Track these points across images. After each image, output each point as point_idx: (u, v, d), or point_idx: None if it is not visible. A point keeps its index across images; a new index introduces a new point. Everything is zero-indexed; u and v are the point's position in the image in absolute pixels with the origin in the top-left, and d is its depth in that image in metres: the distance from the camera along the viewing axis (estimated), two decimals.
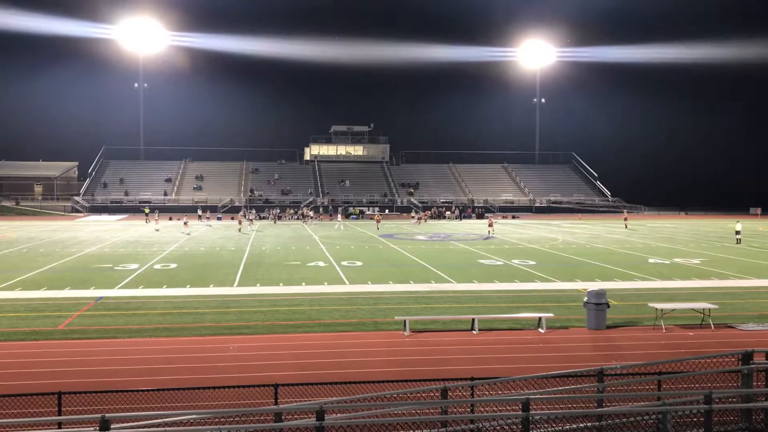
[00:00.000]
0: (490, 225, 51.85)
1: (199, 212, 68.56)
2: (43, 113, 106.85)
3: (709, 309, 18.20)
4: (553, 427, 9.16)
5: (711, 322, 17.85)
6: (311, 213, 70.57)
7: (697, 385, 10.69)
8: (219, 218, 68.34)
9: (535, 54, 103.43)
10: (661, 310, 17.99)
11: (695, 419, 9.01)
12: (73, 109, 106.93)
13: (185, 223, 55.35)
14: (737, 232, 42.74)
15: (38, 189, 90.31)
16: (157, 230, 51.90)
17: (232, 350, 15.44)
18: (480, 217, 77.54)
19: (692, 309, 18.67)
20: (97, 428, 7.35)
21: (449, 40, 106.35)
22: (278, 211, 74.15)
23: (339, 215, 68.01)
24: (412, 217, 71.35)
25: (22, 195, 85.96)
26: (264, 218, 71.02)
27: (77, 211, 79.88)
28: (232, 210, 78.33)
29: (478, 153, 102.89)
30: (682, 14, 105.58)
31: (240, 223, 55.42)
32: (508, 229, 56.78)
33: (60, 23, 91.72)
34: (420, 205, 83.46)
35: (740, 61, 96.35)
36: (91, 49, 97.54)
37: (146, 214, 65.08)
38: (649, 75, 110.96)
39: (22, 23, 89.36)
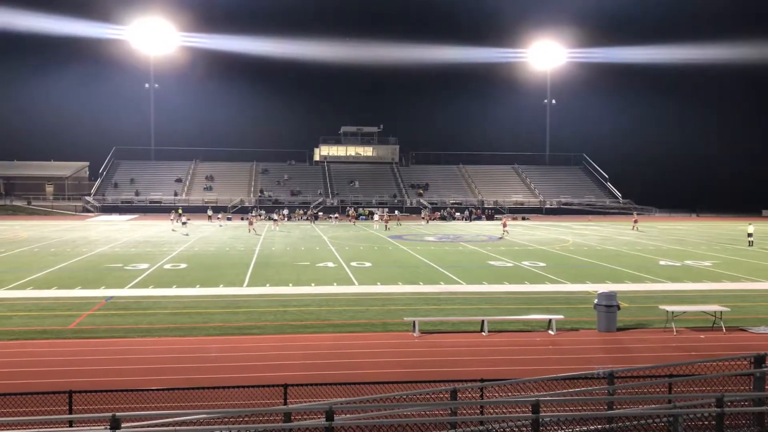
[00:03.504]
0: (504, 226, 51.97)
1: (209, 213, 68.66)
2: (54, 113, 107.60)
3: (721, 312, 18.07)
4: (563, 429, 9.11)
5: (722, 325, 17.73)
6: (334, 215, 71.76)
7: (708, 388, 10.62)
8: (229, 218, 68.49)
9: (545, 55, 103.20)
10: (672, 312, 17.88)
11: (707, 422, 8.94)
12: (84, 109, 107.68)
13: (182, 223, 55.75)
14: (749, 235, 42.46)
15: (49, 189, 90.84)
16: (174, 231, 51.90)
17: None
18: (490, 218, 77.29)
19: (703, 312, 18.56)
20: (108, 427, 7.37)
21: (459, 41, 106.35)
22: (315, 210, 75.05)
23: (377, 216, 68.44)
24: (423, 218, 71.58)
25: (34, 195, 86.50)
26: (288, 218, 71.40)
27: (88, 210, 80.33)
28: (242, 210, 78.61)
29: (488, 154, 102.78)
30: (694, 14, 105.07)
31: (277, 223, 59.12)
32: (518, 230, 56.63)
33: (71, 24, 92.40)
34: (429, 206, 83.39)
35: (752, 61, 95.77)
36: (103, 50, 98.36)
37: (179, 215, 65.96)
38: (660, 76, 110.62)
39: (33, 24, 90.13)
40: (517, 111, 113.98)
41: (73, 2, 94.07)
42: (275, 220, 62.24)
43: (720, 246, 41.68)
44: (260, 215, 73.86)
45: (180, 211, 67.07)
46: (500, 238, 47.56)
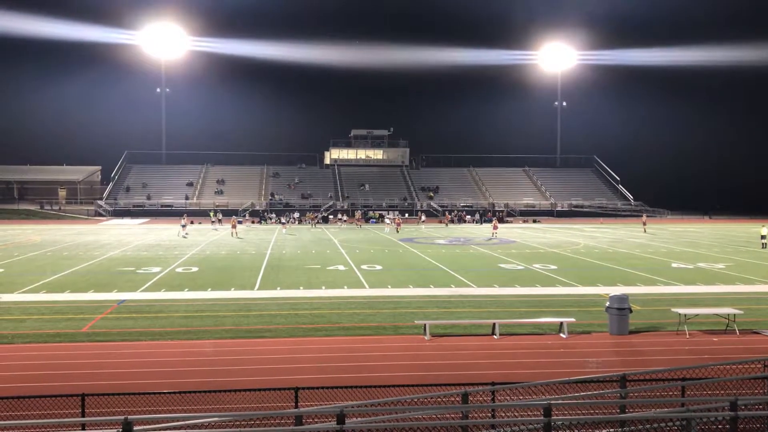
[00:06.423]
0: (495, 228, 52.94)
1: (219, 216, 68.73)
2: (66, 118, 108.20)
3: (734, 314, 17.94)
4: None
5: (736, 328, 17.60)
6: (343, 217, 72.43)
7: (721, 392, 10.53)
8: (240, 222, 68.66)
9: (556, 57, 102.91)
10: (685, 315, 17.77)
11: (720, 426, 8.88)
12: (96, 113, 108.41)
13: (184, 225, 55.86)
14: (762, 237, 42.13)
15: (62, 193, 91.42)
16: (186, 236, 51.57)
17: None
18: (501, 221, 77.10)
19: (716, 314, 18.43)
20: (120, 430, 7.41)
21: (470, 43, 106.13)
22: (319, 214, 75.30)
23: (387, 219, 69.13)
24: (441, 221, 72.19)
25: (47, 199, 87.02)
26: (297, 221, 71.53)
27: (100, 214, 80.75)
28: (253, 214, 78.85)
29: (498, 157, 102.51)
30: (704, 16, 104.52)
31: (285, 226, 61.01)
32: (529, 233, 56.48)
33: (83, 29, 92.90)
34: (440, 209, 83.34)
35: (765, 62, 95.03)
36: (115, 55, 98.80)
37: (215, 216, 66.91)
38: (671, 78, 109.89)
39: (45, 29, 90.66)
40: (528, 113, 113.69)
41: (85, 7, 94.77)
42: (284, 224, 62.46)
43: (733, 248, 41.38)
44: (271, 218, 74.06)
45: (212, 213, 68.27)
46: (489, 239, 48.26)
